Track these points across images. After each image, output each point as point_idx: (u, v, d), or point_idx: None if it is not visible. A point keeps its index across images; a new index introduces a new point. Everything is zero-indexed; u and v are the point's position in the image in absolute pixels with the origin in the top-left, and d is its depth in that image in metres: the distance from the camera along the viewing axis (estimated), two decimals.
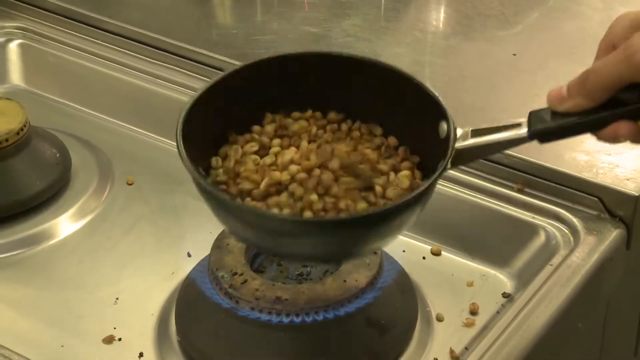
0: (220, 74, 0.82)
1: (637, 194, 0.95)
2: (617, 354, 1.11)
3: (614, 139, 0.72)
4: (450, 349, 0.88)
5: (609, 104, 0.71)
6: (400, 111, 0.81)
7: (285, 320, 0.83)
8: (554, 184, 0.99)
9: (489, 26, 1.24)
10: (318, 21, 1.25)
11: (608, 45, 0.73)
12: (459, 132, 0.75)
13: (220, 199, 0.74)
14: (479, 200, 1.01)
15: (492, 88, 1.13)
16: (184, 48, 1.20)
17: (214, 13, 1.34)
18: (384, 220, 0.73)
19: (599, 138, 0.73)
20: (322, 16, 1.27)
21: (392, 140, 0.82)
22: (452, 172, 1.02)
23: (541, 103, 1.08)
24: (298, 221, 0.74)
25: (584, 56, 1.16)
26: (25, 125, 1.04)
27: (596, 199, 0.97)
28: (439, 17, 1.30)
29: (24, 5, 1.30)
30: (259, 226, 0.73)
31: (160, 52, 1.21)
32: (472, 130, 0.76)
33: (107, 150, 1.14)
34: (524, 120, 0.75)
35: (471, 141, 0.75)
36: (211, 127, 0.81)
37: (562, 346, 0.91)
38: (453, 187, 1.02)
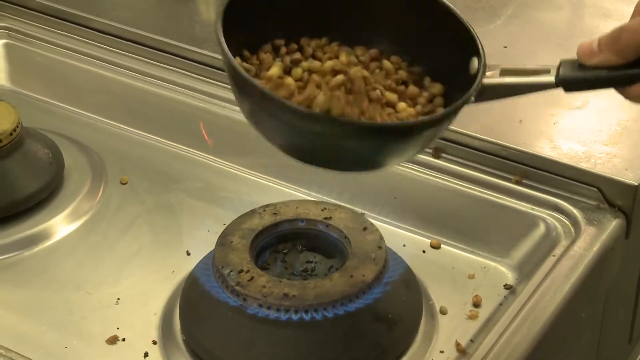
0: None
1: (636, 184, 0.96)
2: (613, 342, 1.11)
3: (639, 98, 0.73)
4: (456, 341, 0.88)
5: (638, 62, 0.71)
6: (430, 41, 0.80)
7: (295, 317, 0.83)
8: (553, 175, 0.99)
9: (478, 19, 1.25)
10: None
11: None
12: (489, 69, 0.76)
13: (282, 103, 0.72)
14: (477, 193, 1.01)
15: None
16: (173, 45, 1.19)
17: (199, 10, 1.33)
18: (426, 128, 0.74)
19: (625, 96, 0.73)
20: None
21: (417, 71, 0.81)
22: (449, 165, 1.02)
23: (534, 95, 1.10)
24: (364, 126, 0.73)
25: (573, 47, 1.17)
26: (17, 126, 1.03)
27: (595, 189, 0.97)
28: None
29: (8, 4, 1.29)
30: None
31: (149, 49, 1.20)
32: (501, 69, 0.76)
33: (99, 150, 1.13)
34: (553, 66, 0.75)
35: (498, 79, 0.75)
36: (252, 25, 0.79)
37: (566, 336, 0.92)
38: (451, 180, 1.02)
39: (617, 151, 1.00)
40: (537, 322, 0.86)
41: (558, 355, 0.92)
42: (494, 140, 1.01)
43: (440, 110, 0.77)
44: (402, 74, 0.80)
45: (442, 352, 0.87)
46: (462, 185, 1.02)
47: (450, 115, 0.75)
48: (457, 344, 0.87)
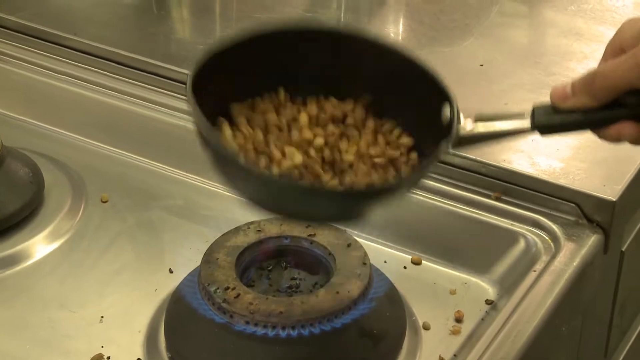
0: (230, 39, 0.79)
1: (613, 199, 0.97)
2: (590, 356, 1.13)
3: (616, 139, 0.74)
4: (440, 356, 0.89)
5: (612, 104, 0.73)
6: (399, 94, 0.80)
7: (282, 333, 0.83)
8: (532, 191, 1.01)
9: (454, 37, 1.26)
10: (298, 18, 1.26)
11: (615, 49, 0.74)
12: (462, 118, 0.76)
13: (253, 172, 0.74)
14: (457, 209, 1.02)
15: (461, 98, 1.13)
16: (151, 64, 1.20)
17: (175, 28, 1.34)
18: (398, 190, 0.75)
19: (601, 137, 0.75)
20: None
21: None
22: (429, 182, 1.03)
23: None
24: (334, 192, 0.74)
25: (548, 64, 1.21)
26: None
27: (574, 205, 0.99)
28: (402, 29, 1.31)
29: None
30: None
31: (126, 68, 1.21)
32: (475, 116, 0.76)
33: (79, 169, 1.13)
34: (526, 111, 0.76)
35: (474, 127, 0.76)
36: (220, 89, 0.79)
37: (547, 350, 0.93)
38: (430, 197, 1.03)
39: (594, 167, 1.02)
40: (520, 337, 0.86)
41: None
42: (473, 157, 1.02)
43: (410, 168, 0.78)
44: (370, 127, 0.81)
45: None
46: (442, 202, 1.03)
47: (427, 169, 0.77)
48: (441, 359, 0.88)
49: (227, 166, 0.75)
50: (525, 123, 0.76)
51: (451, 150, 0.76)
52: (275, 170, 0.75)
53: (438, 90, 0.78)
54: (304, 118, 0.79)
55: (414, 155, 0.80)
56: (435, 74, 0.78)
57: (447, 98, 0.77)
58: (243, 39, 0.79)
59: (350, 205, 0.75)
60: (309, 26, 0.83)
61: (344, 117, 0.81)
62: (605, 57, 0.75)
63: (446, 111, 0.77)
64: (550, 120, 0.76)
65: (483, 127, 0.77)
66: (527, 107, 1.09)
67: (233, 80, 0.79)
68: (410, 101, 0.80)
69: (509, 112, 0.77)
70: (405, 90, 0.80)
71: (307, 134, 0.78)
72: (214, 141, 0.73)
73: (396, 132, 0.81)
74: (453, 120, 0.75)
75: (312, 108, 0.81)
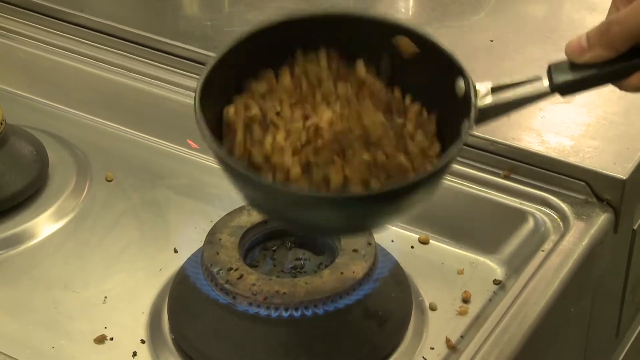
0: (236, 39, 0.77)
1: (624, 177, 0.96)
2: (601, 336, 1.11)
3: (638, 89, 0.72)
4: (446, 337, 0.87)
5: (630, 53, 0.70)
6: (411, 70, 0.77)
7: (285, 314, 0.82)
8: (541, 170, 0.99)
9: (464, 12, 1.25)
10: (291, 11, 1.24)
11: None
12: (479, 89, 0.73)
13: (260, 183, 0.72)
14: (465, 188, 1.01)
15: (471, 74, 1.12)
16: (158, 40, 1.19)
17: (183, 5, 1.32)
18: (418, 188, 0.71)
19: (622, 88, 0.72)
20: (294, 6, 1.26)
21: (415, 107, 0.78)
22: None
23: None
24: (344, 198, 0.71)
25: (559, 40, 1.17)
26: (1, 124, 1.02)
27: (583, 183, 0.97)
28: (413, 4, 1.29)
29: None
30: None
31: (133, 45, 1.20)
32: (491, 88, 0.73)
33: (83, 147, 1.12)
34: (542, 74, 0.73)
35: (491, 99, 0.73)
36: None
37: (556, 331, 0.92)
38: None
39: (605, 145, 1.00)
40: (527, 317, 0.85)
41: (548, 350, 0.92)
42: (482, 135, 1.01)
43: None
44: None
45: (432, 348, 0.87)
46: (450, 180, 1.01)
47: (454, 155, 0.72)
48: (448, 340, 0.87)
49: (246, 186, 0.74)
50: (543, 85, 0.73)
51: (474, 127, 0.73)
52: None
53: (449, 65, 0.75)
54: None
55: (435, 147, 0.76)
56: (446, 48, 0.76)
57: (461, 72, 0.74)
58: (247, 36, 0.77)
59: (375, 208, 0.71)
60: (312, 14, 0.80)
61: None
62: (615, 5, 0.73)
63: (460, 85, 0.74)
64: (570, 77, 0.73)
65: (501, 97, 0.73)
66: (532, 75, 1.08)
67: (240, 78, 0.77)
68: (423, 80, 0.77)
69: (524, 78, 0.74)
70: (416, 68, 0.77)
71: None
72: (224, 158, 0.72)
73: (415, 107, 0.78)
74: (470, 95, 0.73)
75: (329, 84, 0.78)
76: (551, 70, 0.73)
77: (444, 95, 0.76)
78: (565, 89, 0.73)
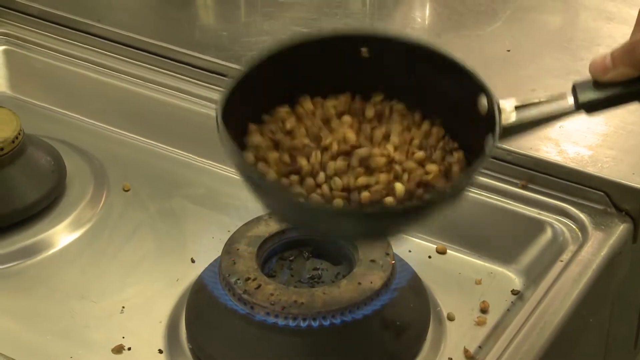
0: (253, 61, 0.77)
1: None
2: (619, 347, 1.11)
3: None
4: (465, 348, 0.87)
5: None
6: (432, 89, 0.78)
7: (303, 324, 0.82)
8: (559, 180, 0.99)
9: (480, 22, 1.24)
10: (307, 21, 1.24)
11: None
12: (503, 106, 0.73)
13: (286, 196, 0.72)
14: (483, 198, 1.01)
15: (493, 90, 1.13)
16: (174, 50, 1.19)
17: (199, 15, 1.32)
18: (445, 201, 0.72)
19: None
20: (311, 16, 1.26)
21: (438, 131, 0.78)
22: None
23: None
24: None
25: (577, 50, 1.18)
26: (20, 134, 1.02)
27: (602, 193, 0.97)
28: (429, 13, 1.29)
29: (7, 10, 1.28)
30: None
31: (149, 55, 1.20)
32: (515, 106, 0.74)
33: (100, 157, 1.12)
34: (567, 91, 0.74)
35: (516, 117, 0.73)
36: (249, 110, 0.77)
37: (574, 342, 0.91)
38: None
39: (623, 155, 0.99)
40: (546, 328, 0.85)
41: None
42: (499, 144, 1.00)
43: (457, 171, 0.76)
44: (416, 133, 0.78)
45: (450, 359, 0.87)
46: (467, 190, 1.01)
47: (477, 170, 0.73)
48: (466, 351, 0.87)
49: (265, 196, 0.74)
50: (568, 103, 0.73)
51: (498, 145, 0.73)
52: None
53: (470, 82, 0.75)
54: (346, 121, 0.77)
55: (460, 156, 0.77)
56: (467, 66, 0.76)
57: (484, 89, 0.74)
58: (266, 56, 0.77)
59: (400, 222, 0.72)
60: (327, 34, 0.80)
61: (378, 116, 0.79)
62: (638, 24, 0.73)
63: (483, 103, 0.74)
64: (594, 96, 0.73)
65: (525, 115, 0.74)
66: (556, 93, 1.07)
67: (260, 99, 0.78)
68: (444, 98, 0.78)
69: (548, 95, 0.74)
70: (437, 87, 0.78)
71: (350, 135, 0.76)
72: (246, 169, 0.72)
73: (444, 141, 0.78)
74: (494, 112, 0.73)
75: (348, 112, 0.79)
76: (576, 89, 0.74)
77: (467, 112, 0.76)
78: (590, 107, 0.74)
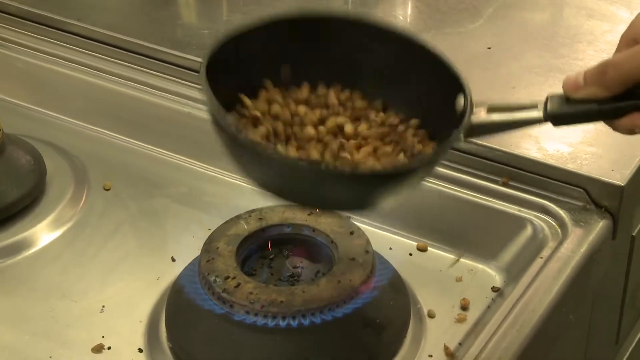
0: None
1: (622, 184, 0.96)
2: (600, 343, 1.11)
3: (630, 131, 0.73)
4: (445, 345, 0.87)
5: (625, 94, 0.72)
6: (411, 82, 0.80)
7: (282, 323, 0.82)
8: (539, 177, 0.99)
9: (462, 20, 1.24)
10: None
11: (629, 40, 0.73)
12: (475, 106, 0.75)
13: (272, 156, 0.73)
14: (464, 195, 1.01)
15: (469, 81, 1.12)
16: (155, 49, 1.19)
17: (181, 14, 1.32)
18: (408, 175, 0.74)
19: (615, 128, 0.74)
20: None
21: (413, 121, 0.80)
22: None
23: (518, 95, 1.10)
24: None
25: (558, 47, 1.19)
26: None
27: (581, 190, 0.97)
28: (410, 12, 1.29)
29: None
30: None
31: (130, 54, 1.20)
32: (488, 106, 0.75)
33: (81, 156, 1.12)
34: (540, 101, 0.75)
35: (486, 117, 0.75)
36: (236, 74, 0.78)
37: (555, 338, 0.91)
38: (437, 183, 1.01)
39: (602, 152, 1.00)
40: (526, 324, 0.85)
41: (547, 357, 0.91)
42: (480, 142, 1.01)
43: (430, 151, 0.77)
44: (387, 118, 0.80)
45: (430, 356, 0.87)
46: (448, 188, 1.01)
47: (440, 156, 0.75)
48: (446, 348, 0.87)
49: (237, 149, 0.74)
50: (538, 113, 0.75)
51: (464, 139, 0.75)
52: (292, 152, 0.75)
53: (451, 78, 0.77)
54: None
55: (424, 136, 0.79)
56: (449, 61, 0.77)
57: (461, 87, 0.76)
58: (251, 27, 0.78)
59: (362, 189, 0.73)
60: (313, 14, 0.81)
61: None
62: (619, 49, 0.74)
63: (460, 101, 0.76)
64: (563, 110, 0.74)
65: (496, 117, 0.76)
66: (535, 90, 1.08)
67: (243, 69, 0.78)
68: (422, 90, 0.79)
69: (521, 103, 0.76)
70: (417, 79, 0.80)
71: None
72: (224, 121, 0.72)
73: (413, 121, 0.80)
74: (466, 109, 0.75)
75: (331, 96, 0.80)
76: (547, 100, 0.75)
77: (443, 106, 0.77)
78: (557, 120, 0.75)
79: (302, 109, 0.79)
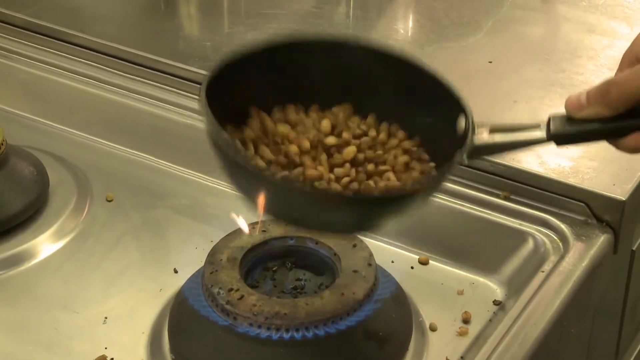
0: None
1: (623, 199, 0.96)
2: (600, 357, 1.12)
3: (634, 149, 0.73)
4: (447, 358, 0.88)
5: (628, 113, 0.72)
6: (412, 104, 0.80)
7: (286, 336, 0.82)
8: (541, 191, 1.00)
9: (462, 34, 1.25)
10: (290, 32, 1.25)
11: (632, 59, 0.74)
12: (477, 127, 0.75)
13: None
14: (465, 209, 1.01)
15: (470, 95, 1.12)
16: (157, 61, 1.19)
17: (183, 26, 1.33)
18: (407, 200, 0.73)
19: (619, 147, 0.74)
20: (294, 27, 1.27)
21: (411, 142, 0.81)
22: None
23: (519, 109, 1.10)
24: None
25: (558, 61, 1.19)
26: (2, 144, 1.02)
27: (583, 204, 0.98)
28: (412, 25, 1.30)
29: None
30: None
31: (133, 66, 1.20)
32: (490, 127, 0.76)
33: (84, 167, 1.12)
34: (542, 121, 0.75)
35: (489, 138, 0.75)
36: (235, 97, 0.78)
37: (556, 352, 0.92)
38: (439, 196, 1.01)
39: (604, 166, 1.00)
40: (528, 338, 0.85)
41: None
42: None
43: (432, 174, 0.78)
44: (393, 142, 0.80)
45: None
46: (450, 201, 1.01)
47: (442, 179, 0.76)
48: None
49: (237, 172, 0.75)
50: (541, 133, 0.75)
51: (467, 161, 0.75)
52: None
53: (452, 100, 0.77)
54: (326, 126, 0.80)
55: (430, 165, 0.79)
56: (449, 84, 0.78)
57: (462, 108, 0.76)
58: (254, 50, 0.79)
59: (363, 212, 0.73)
60: (312, 38, 0.81)
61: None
62: (621, 67, 0.75)
63: (461, 122, 0.76)
64: (566, 130, 0.74)
65: (498, 138, 0.76)
66: (536, 104, 1.08)
67: (243, 93, 0.79)
68: (424, 113, 0.79)
69: (524, 123, 0.76)
70: (418, 102, 0.80)
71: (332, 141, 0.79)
72: (225, 143, 0.73)
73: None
74: (468, 131, 0.75)
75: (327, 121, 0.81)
76: (550, 120, 0.75)
77: (445, 128, 0.77)
78: (561, 140, 0.76)
79: (293, 133, 0.79)
